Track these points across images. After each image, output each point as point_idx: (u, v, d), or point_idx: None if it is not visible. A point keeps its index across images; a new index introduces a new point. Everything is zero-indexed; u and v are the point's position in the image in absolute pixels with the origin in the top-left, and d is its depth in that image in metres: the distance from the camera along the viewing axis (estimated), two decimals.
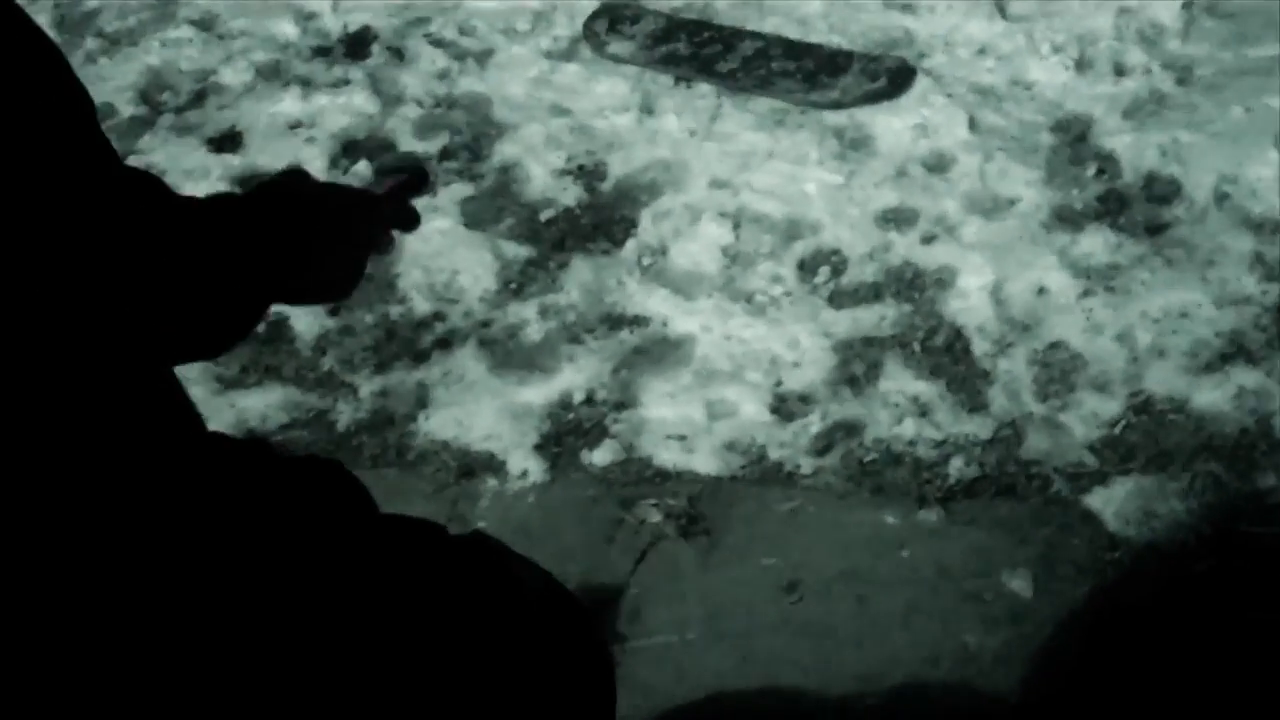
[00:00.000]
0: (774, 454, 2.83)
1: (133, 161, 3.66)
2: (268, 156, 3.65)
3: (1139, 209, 3.26)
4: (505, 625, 1.20)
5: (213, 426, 3.04)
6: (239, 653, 0.90)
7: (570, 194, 3.47)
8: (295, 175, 1.27)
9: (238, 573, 0.90)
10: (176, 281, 1.08)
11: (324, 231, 1.22)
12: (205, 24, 4.16)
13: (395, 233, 1.34)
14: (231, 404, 2.99)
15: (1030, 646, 2.48)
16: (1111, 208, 3.27)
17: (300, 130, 3.74)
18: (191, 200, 1.16)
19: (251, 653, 0.91)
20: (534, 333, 3.13)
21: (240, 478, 0.93)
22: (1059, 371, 2.92)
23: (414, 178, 1.41)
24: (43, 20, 4.13)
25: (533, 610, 1.25)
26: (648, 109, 3.69)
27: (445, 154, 3.62)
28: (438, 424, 2.94)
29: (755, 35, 3.89)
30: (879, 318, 3.08)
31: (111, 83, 3.90)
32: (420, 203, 3.53)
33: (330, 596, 0.98)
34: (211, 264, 1.13)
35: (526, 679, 1.17)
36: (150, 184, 1.10)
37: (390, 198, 1.36)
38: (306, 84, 3.89)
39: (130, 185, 1.03)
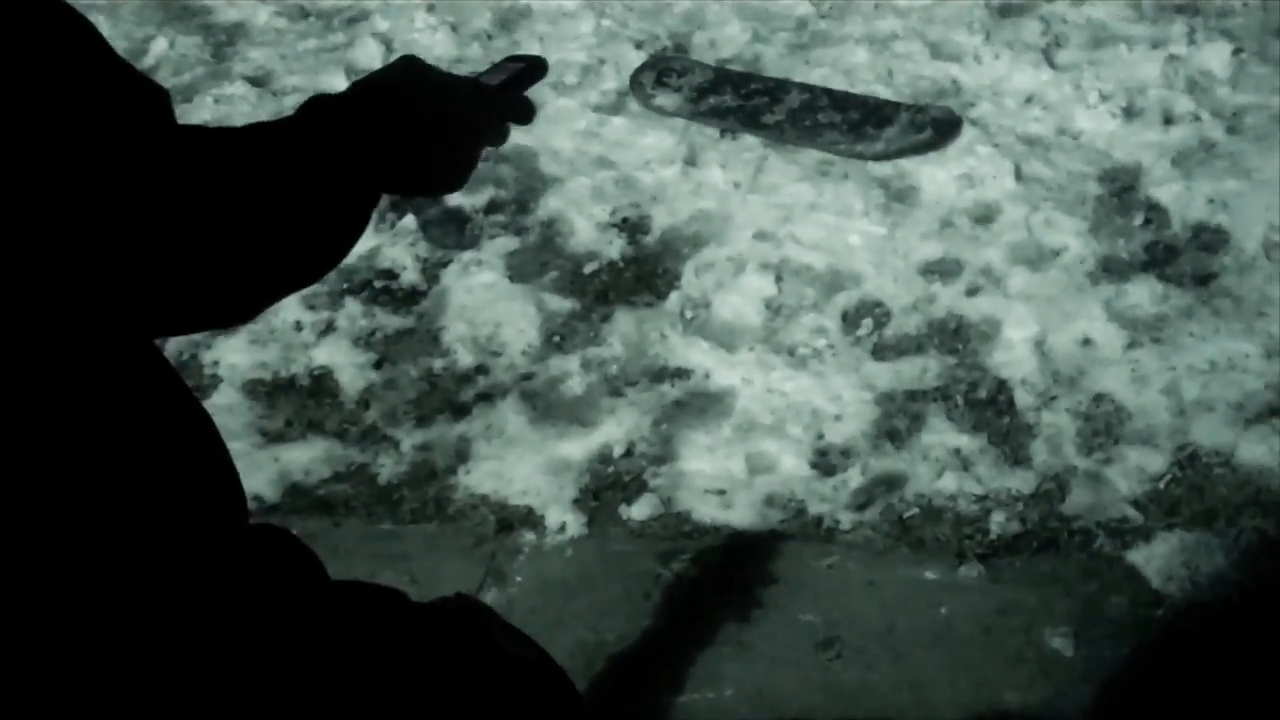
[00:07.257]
0: (813, 509, 2.81)
1: None
2: None
3: (1187, 259, 3.23)
4: (469, 693, 1.19)
5: (256, 480, 3.03)
6: None
7: (614, 247, 3.48)
8: (405, 67, 1.27)
9: (179, 643, 0.91)
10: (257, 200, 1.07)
11: (428, 125, 1.21)
12: (259, 80, 4.22)
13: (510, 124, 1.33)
14: (275, 458, 3.00)
15: (1071, 706, 2.44)
16: (1158, 258, 3.24)
17: None
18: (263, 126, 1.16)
19: None
20: (575, 386, 3.13)
21: (185, 548, 0.93)
22: (1103, 425, 2.88)
23: (530, 68, 1.40)
24: None
25: (508, 680, 1.24)
26: (692, 161, 3.70)
27: (490, 208, 3.64)
28: (478, 478, 2.94)
29: (802, 87, 3.89)
30: (922, 370, 3.06)
31: None
32: (465, 256, 3.54)
33: (280, 664, 0.98)
34: (304, 168, 1.13)
35: None
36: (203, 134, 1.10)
37: (504, 88, 1.35)
38: None
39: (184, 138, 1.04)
